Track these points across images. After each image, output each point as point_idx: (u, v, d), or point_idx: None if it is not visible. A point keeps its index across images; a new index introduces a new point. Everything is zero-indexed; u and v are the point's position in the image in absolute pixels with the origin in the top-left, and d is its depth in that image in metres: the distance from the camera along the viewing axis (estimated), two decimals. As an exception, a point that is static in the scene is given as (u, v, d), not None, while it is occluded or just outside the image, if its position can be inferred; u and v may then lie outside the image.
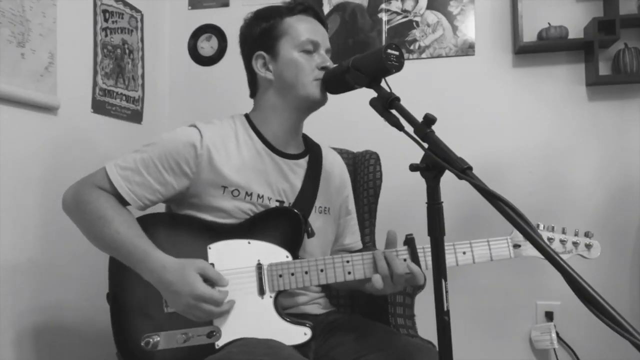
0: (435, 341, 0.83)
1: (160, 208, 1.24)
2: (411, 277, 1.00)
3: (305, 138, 1.28)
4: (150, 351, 1.01)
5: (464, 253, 1.06)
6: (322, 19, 1.20)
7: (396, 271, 0.99)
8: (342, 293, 1.47)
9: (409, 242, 1.04)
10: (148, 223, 1.07)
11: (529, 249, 1.07)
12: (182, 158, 1.08)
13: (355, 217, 1.37)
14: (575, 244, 1.09)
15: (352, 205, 1.36)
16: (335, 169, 1.30)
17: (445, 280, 0.80)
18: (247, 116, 1.22)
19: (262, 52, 1.16)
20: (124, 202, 1.08)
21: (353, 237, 1.35)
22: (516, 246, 1.07)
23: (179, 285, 0.96)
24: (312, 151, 1.24)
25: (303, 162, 1.21)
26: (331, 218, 1.25)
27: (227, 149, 1.11)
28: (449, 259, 1.04)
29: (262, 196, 1.12)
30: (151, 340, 1.00)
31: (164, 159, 1.07)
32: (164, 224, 1.10)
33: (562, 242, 1.08)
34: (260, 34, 1.17)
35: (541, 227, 1.10)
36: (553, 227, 1.10)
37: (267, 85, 1.18)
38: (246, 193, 1.10)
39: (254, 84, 1.22)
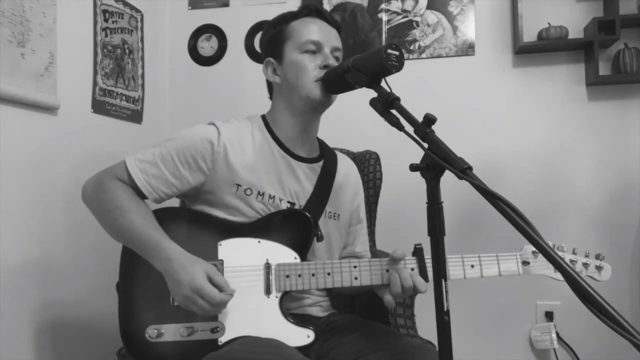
0: (435, 341, 0.83)
1: (175, 203, 1.25)
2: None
3: (322, 144, 1.30)
4: (154, 342, 1.02)
5: (472, 266, 1.07)
6: (328, 19, 1.21)
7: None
8: (344, 293, 1.47)
9: (418, 252, 1.04)
10: (162, 217, 1.09)
11: (537, 267, 1.07)
12: (199, 154, 1.10)
13: (365, 226, 1.38)
14: (585, 265, 1.08)
15: (363, 214, 1.36)
16: (350, 176, 1.31)
17: (446, 280, 0.80)
18: (263, 117, 1.24)
19: (271, 59, 1.20)
20: (141, 195, 1.11)
21: (364, 246, 1.35)
22: (525, 263, 1.08)
23: (181, 274, 0.97)
24: (326, 157, 1.26)
25: (316, 166, 1.22)
26: (341, 224, 1.26)
27: (243, 148, 1.13)
28: (457, 272, 1.06)
29: (274, 197, 1.13)
30: (156, 331, 1.02)
31: (181, 154, 1.10)
32: (177, 219, 1.12)
33: (572, 262, 1.08)
34: (269, 41, 1.22)
35: (550, 245, 1.09)
36: (563, 247, 1.09)
37: (277, 90, 1.21)
38: (258, 192, 1.12)
39: (270, 88, 1.26)
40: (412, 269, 1.03)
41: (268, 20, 1.25)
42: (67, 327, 1.63)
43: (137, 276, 1.08)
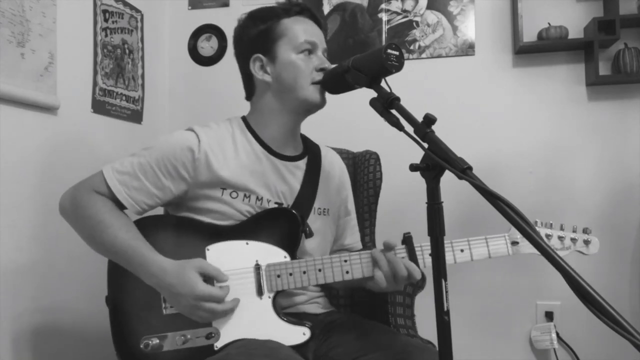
0: (435, 341, 0.83)
1: (158, 210, 1.24)
2: (409, 274, 1.00)
3: (305, 139, 1.28)
4: (150, 353, 1.01)
5: (462, 251, 1.06)
6: (318, 20, 1.20)
7: (400, 273, 0.99)
8: (342, 293, 1.47)
9: (407, 240, 1.04)
10: (146, 225, 1.07)
11: (527, 246, 1.07)
12: (179, 162, 1.08)
13: (354, 218, 1.37)
14: (573, 240, 1.09)
15: (351, 206, 1.35)
16: (334, 169, 1.30)
17: (445, 280, 0.80)
18: (244, 119, 1.22)
19: (260, 55, 1.15)
20: (121, 207, 1.09)
21: (353, 238, 1.34)
22: (514, 243, 1.07)
23: (179, 287, 0.96)
24: (311, 152, 1.24)
25: (302, 163, 1.21)
26: (330, 219, 1.25)
27: (225, 152, 1.11)
28: (447, 257, 1.04)
29: (261, 198, 1.12)
30: (150, 342, 1.01)
31: (161, 164, 1.07)
32: (162, 226, 1.10)
33: (560, 238, 1.08)
34: (257, 36, 1.16)
35: (539, 223, 1.10)
36: (551, 224, 1.10)
37: (264, 88, 1.17)
38: (244, 195, 1.11)
39: (251, 86, 1.21)
40: (403, 258, 1.02)
41: (250, 13, 1.20)
42: (62, 332, 1.62)
43: (125, 289, 1.07)
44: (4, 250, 1.39)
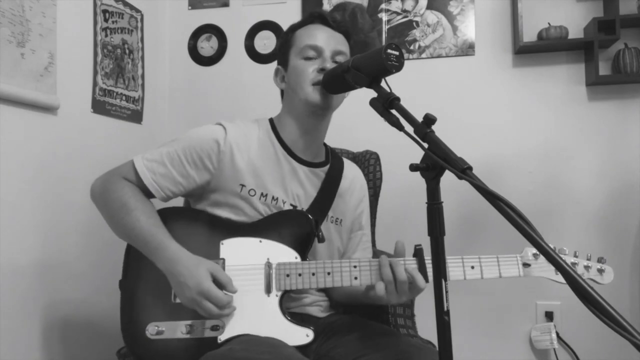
0: (435, 341, 0.83)
1: (179, 203, 1.26)
2: (413, 284, 1.00)
3: (329, 150, 1.31)
4: (154, 340, 1.03)
5: (472, 268, 1.07)
6: (332, 25, 1.23)
7: (400, 278, 0.99)
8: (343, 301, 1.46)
9: (418, 252, 1.04)
10: (166, 215, 1.11)
11: (538, 269, 1.07)
12: (205, 153, 1.12)
13: (368, 234, 1.37)
14: (587, 267, 1.08)
15: (366, 221, 1.36)
16: (355, 183, 1.32)
17: (446, 280, 0.80)
18: (271, 120, 1.25)
19: (279, 67, 1.24)
20: (148, 194, 1.13)
21: (364, 254, 1.34)
22: (525, 265, 1.07)
23: (187, 277, 0.98)
24: (332, 162, 1.27)
25: (321, 171, 1.23)
26: (343, 230, 1.27)
27: (249, 150, 1.15)
28: (457, 273, 1.06)
29: (277, 198, 1.15)
30: (156, 328, 1.04)
31: (187, 153, 1.12)
32: (181, 218, 1.14)
33: (573, 264, 1.08)
34: (278, 51, 1.27)
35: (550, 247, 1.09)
36: (565, 250, 1.09)
37: (284, 95, 1.25)
38: (262, 194, 1.14)
39: (281, 94, 1.30)
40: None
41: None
42: (70, 327, 1.63)
43: (139, 274, 1.09)
44: (5, 249, 1.39)
